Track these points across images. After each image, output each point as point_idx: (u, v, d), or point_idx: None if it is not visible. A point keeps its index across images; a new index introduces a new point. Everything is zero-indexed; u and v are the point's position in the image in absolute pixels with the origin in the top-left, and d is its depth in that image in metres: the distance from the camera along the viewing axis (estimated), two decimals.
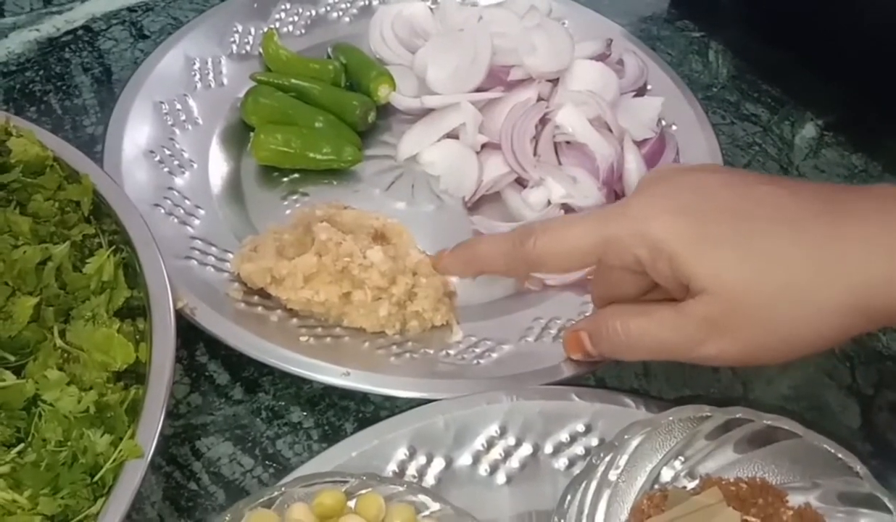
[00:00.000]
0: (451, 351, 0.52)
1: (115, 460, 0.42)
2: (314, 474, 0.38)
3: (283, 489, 0.37)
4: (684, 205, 0.43)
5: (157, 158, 0.59)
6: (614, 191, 0.61)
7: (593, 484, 0.43)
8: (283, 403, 0.51)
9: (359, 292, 0.51)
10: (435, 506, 0.38)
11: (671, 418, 0.42)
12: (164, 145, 0.60)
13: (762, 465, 0.43)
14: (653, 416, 0.42)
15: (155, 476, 0.47)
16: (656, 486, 0.44)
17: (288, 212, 0.60)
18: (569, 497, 0.41)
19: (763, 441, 0.42)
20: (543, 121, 0.62)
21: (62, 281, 0.50)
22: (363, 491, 0.38)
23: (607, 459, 0.41)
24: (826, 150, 0.70)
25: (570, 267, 0.48)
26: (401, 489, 0.38)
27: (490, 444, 0.47)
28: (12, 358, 0.47)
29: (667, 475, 0.44)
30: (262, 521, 0.36)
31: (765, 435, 0.42)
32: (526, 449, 0.47)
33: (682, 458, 0.44)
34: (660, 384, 0.54)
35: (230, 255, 0.55)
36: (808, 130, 0.72)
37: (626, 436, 0.41)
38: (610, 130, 0.61)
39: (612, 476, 0.43)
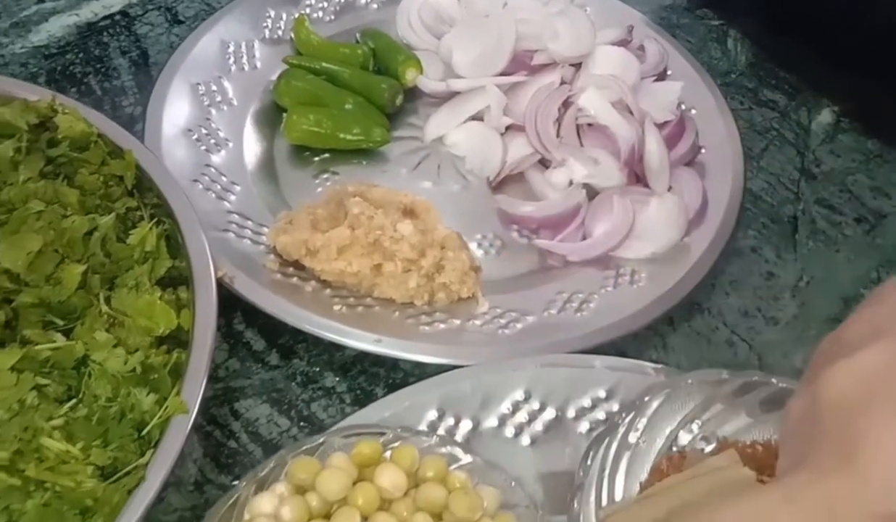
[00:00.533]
0: (478, 322, 0.54)
1: (161, 416, 0.45)
2: (354, 425, 0.40)
3: (324, 439, 0.39)
4: None
5: (195, 137, 0.62)
6: (635, 172, 0.63)
7: (614, 445, 0.45)
8: (317, 369, 0.53)
9: (389, 264, 0.53)
10: (466, 458, 0.40)
11: (690, 381, 0.44)
12: (201, 124, 0.63)
13: (777, 428, 0.45)
14: (672, 379, 0.44)
15: (196, 434, 0.50)
16: (675, 449, 0.46)
17: (319, 189, 0.63)
18: (591, 454, 0.43)
19: (777, 405, 0.44)
20: (566, 104, 0.64)
21: (107, 250, 0.52)
22: (398, 443, 0.40)
23: (628, 419, 0.43)
24: (842, 136, 0.72)
25: None
26: (434, 441, 0.40)
27: (515, 408, 0.49)
28: (61, 322, 0.49)
29: (684, 439, 0.46)
30: (305, 467, 0.38)
31: (779, 398, 0.44)
32: (549, 413, 0.49)
33: (699, 422, 0.46)
34: (678, 357, 0.56)
35: (265, 229, 0.57)
36: (825, 116, 0.73)
37: (646, 398, 0.43)
38: (631, 113, 0.63)
39: (633, 438, 0.45)
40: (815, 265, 0.62)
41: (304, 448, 0.38)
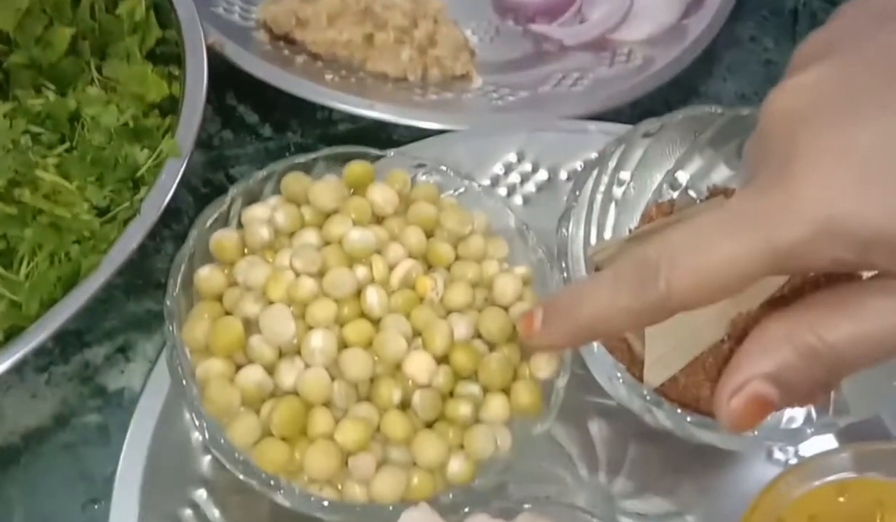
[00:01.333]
0: (471, 95, 0.54)
1: (154, 158, 0.45)
2: (347, 148, 0.40)
3: (315, 156, 0.39)
4: (879, 155, 0.27)
5: None
6: None
7: (599, 196, 0.45)
8: (310, 141, 0.53)
9: (381, 33, 0.53)
10: (459, 184, 0.41)
11: (680, 117, 0.43)
12: None
13: None
14: (663, 117, 0.44)
15: (192, 196, 0.50)
16: (662, 200, 0.46)
17: None
18: (577, 193, 0.43)
19: None
20: None
21: (96, 18, 0.52)
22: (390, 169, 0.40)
23: (618, 153, 0.43)
24: None
25: (724, 297, 0.30)
26: (425, 168, 0.41)
27: (508, 169, 0.50)
28: (53, 87, 0.49)
29: (674, 194, 0.47)
30: (297, 181, 0.38)
31: None
32: (542, 175, 0.50)
33: (687, 174, 0.46)
34: None
35: (254, 8, 0.56)
36: None
37: (637, 132, 0.43)
38: None
39: (618, 192, 0.46)
40: None
41: (296, 162, 0.39)
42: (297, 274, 0.35)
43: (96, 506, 0.40)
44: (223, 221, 0.38)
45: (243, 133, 0.53)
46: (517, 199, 0.49)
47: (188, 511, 0.38)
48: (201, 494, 0.38)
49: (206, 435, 0.33)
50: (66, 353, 0.44)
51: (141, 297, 0.46)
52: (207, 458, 0.39)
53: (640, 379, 0.40)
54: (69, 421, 0.42)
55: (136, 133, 0.47)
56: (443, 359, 0.36)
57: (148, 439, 0.40)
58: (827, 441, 0.41)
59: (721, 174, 0.46)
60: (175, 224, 0.49)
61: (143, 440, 0.40)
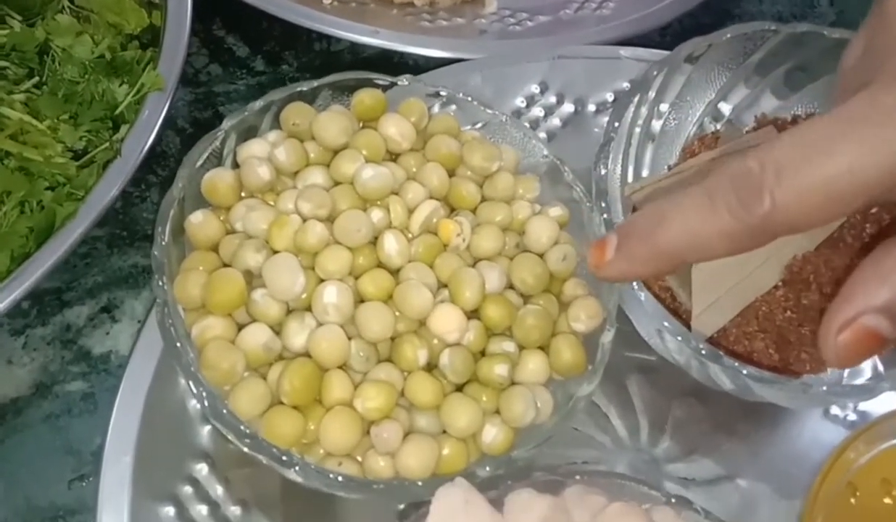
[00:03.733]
0: (485, 21, 0.49)
1: (135, 93, 0.40)
2: (355, 74, 0.35)
3: (317, 84, 0.34)
4: None
5: None
6: None
7: (637, 129, 0.40)
8: (307, 75, 0.48)
9: None
10: (481, 114, 0.36)
11: (729, 35, 0.38)
12: None
13: (823, 103, 0.40)
14: (709, 36, 0.39)
15: (178, 137, 0.45)
16: (704, 133, 0.42)
17: None
18: (616, 125, 0.38)
19: (826, 69, 0.39)
20: None
21: None
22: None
23: (658, 80, 0.38)
24: None
25: (838, 216, 0.27)
26: (443, 99, 0.36)
27: (530, 102, 0.45)
28: (18, 16, 0.44)
29: (716, 126, 0.42)
30: (299, 112, 0.33)
31: (830, 60, 0.39)
32: (568, 108, 0.45)
33: (730, 105, 0.42)
34: None
35: None
36: None
37: (679, 55, 0.38)
38: None
39: (656, 125, 0.41)
40: None
41: (297, 90, 0.34)
42: (304, 219, 0.30)
43: (84, 483, 0.36)
44: (216, 160, 0.33)
45: (233, 67, 0.48)
46: (541, 135, 0.44)
47: (187, 489, 0.34)
48: (201, 468, 0.34)
49: (206, 405, 0.28)
50: (44, 314, 0.39)
51: (126, 251, 0.41)
52: (208, 427, 0.35)
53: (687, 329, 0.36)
54: (51, 390, 0.38)
55: (113, 66, 0.42)
56: (473, 314, 0.31)
57: (139, 407, 0.35)
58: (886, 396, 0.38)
59: (769, 104, 0.42)
60: (161, 169, 0.44)
61: (133, 408, 0.35)
